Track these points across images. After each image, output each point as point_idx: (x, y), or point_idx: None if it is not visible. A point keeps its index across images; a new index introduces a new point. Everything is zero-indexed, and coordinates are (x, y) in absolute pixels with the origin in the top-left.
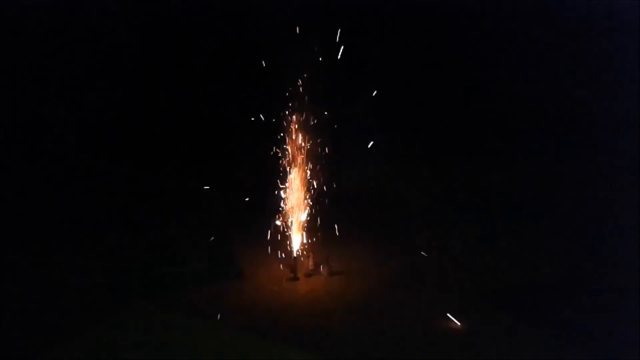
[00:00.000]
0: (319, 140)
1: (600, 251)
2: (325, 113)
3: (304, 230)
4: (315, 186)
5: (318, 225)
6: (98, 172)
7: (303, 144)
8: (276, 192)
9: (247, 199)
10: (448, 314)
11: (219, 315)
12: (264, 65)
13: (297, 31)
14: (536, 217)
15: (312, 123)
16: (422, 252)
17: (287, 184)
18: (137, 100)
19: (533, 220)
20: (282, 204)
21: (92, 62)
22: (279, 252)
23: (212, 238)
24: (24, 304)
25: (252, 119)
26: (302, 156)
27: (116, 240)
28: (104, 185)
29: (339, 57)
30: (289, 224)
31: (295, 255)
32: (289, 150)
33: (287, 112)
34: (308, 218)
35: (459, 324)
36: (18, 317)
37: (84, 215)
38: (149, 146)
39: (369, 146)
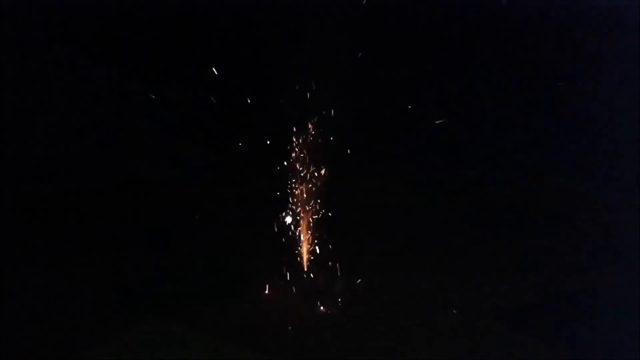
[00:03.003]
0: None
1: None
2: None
3: (315, 245)
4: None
5: (327, 240)
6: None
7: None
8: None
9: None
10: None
11: (225, 333)
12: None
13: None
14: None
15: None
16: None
17: (294, 198)
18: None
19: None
20: (290, 218)
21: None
22: (289, 267)
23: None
24: (33, 316)
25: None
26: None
27: (126, 253)
28: (121, 194)
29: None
30: (299, 240)
31: (306, 270)
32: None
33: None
34: (318, 234)
35: None
36: (26, 330)
37: (98, 224)
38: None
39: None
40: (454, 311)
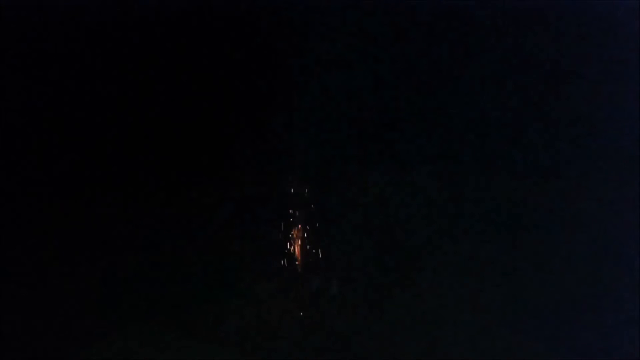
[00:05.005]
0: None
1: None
2: None
3: (309, 244)
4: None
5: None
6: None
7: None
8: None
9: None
10: None
11: (219, 337)
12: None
13: None
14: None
15: None
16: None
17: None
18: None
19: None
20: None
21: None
22: (282, 267)
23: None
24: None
25: None
26: None
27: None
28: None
29: None
30: (293, 239)
31: (300, 271)
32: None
33: None
34: (312, 232)
35: None
36: (25, 330)
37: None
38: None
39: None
40: (454, 313)
